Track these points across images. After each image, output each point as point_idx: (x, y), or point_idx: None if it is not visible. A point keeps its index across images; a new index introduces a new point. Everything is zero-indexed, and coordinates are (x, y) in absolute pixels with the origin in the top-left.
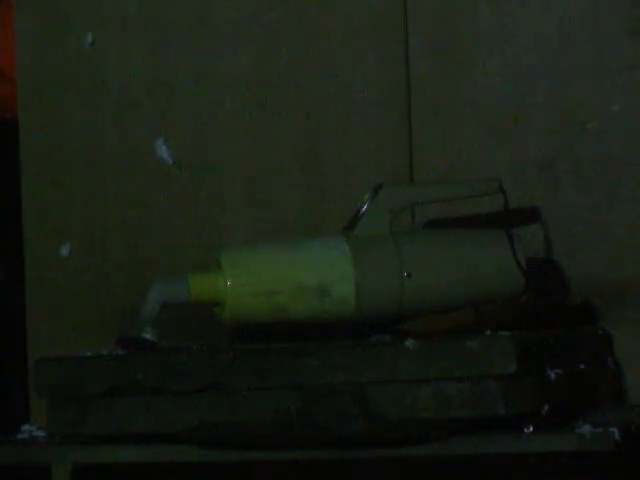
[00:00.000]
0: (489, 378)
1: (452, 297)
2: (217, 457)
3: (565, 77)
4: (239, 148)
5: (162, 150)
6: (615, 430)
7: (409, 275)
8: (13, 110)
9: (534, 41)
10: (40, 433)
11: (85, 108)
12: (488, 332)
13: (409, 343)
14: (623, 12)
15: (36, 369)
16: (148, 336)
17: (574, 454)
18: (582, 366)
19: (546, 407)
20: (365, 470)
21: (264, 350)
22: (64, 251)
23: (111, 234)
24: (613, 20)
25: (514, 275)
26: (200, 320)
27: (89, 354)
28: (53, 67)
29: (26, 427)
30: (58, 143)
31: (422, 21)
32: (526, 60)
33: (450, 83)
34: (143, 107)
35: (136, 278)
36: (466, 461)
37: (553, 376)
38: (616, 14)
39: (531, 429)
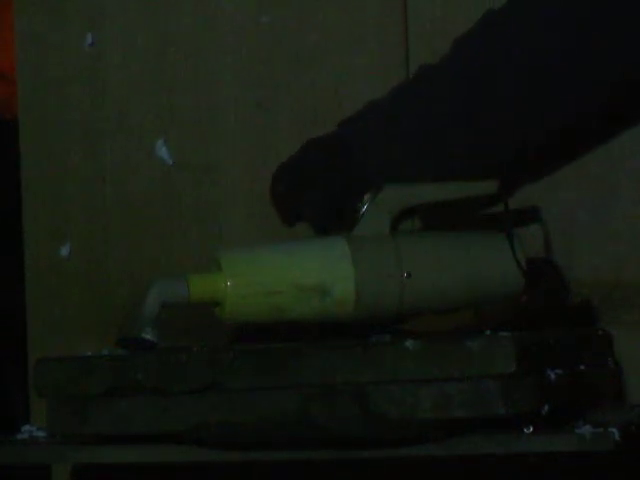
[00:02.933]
0: (489, 378)
1: (452, 297)
2: (217, 457)
3: None
4: (239, 148)
5: (162, 150)
6: (615, 430)
7: (409, 275)
8: (13, 110)
9: None
10: (40, 433)
11: (85, 108)
12: (488, 332)
13: (409, 343)
14: None
15: (36, 369)
16: (148, 336)
17: (574, 454)
18: (582, 366)
19: (546, 407)
20: (365, 470)
21: (264, 350)
22: (64, 251)
23: (111, 234)
24: None
25: (514, 275)
26: (200, 320)
27: (89, 354)
28: (53, 67)
29: (26, 427)
30: (58, 143)
31: (422, 22)
32: None
33: None
34: (143, 107)
35: (136, 278)
36: (466, 461)
37: (553, 376)
38: None
39: (531, 429)
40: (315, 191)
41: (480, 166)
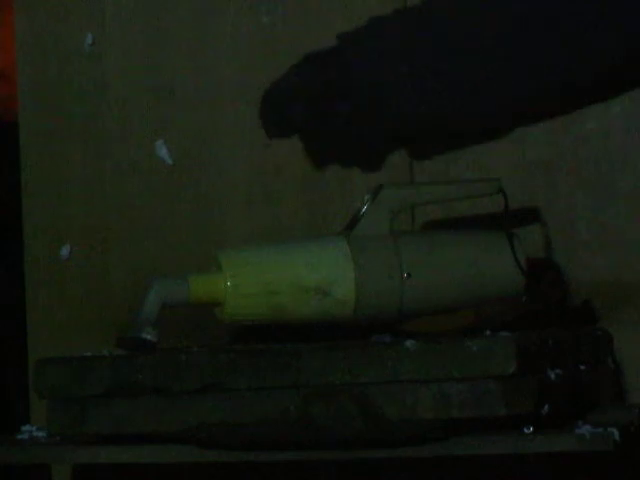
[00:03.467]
0: (489, 378)
1: (452, 297)
2: (217, 457)
3: None
4: (239, 148)
5: (162, 150)
6: (615, 430)
7: (409, 275)
8: (13, 110)
9: None
10: (40, 433)
11: (85, 108)
12: (488, 332)
13: (409, 344)
14: None
15: (36, 369)
16: (148, 337)
17: (574, 454)
18: (582, 366)
19: (546, 407)
20: (365, 470)
21: (264, 350)
22: (64, 251)
23: (111, 234)
24: None
25: (514, 275)
26: (200, 320)
27: (89, 354)
28: (53, 67)
29: (26, 428)
30: (58, 143)
31: None
32: None
33: None
34: (143, 107)
35: (136, 278)
36: (466, 461)
37: (553, 376)
38: None
39: (531, 429)
40: (306, 103)
41: (471, 104)
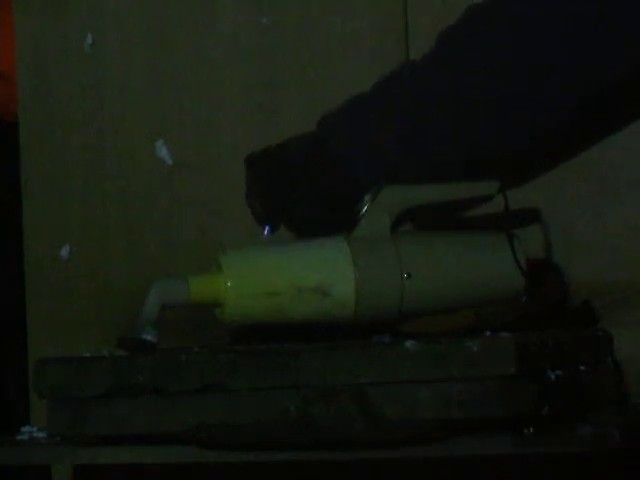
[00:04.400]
0: (489, 379)
1: (452, 298)
2: (217, 457)
3: None
4: (239, 148)
5: (162, 150)
6: (615, 430)
7: (409, 276)
8: (13, 111)
9: None
10: (40, 434)
11: (85, 108)
12: (488, 333)
13: (409, 344)
14: None
15: (36, 369)
16: (148, 337)
17: (574, 454)
18: (582, 367)
19: (546, 408)
20: (365, 470)
21: (264, 350)
22: (64, 252)
23: (111, 234)
24: None
25: (514, 276)
26: (200, 320)
27: (89, 354)
28: (53, 67)
29: (26, 428)
30: (58, 143)
31: (422, 21)
32: None
33: None
34: (143, 107)
35: (136, 278)
36: (466, 461)
37: (553, 377)
38: None
39: (531, 430)
40: (298, 192)
41: (462, 164)
